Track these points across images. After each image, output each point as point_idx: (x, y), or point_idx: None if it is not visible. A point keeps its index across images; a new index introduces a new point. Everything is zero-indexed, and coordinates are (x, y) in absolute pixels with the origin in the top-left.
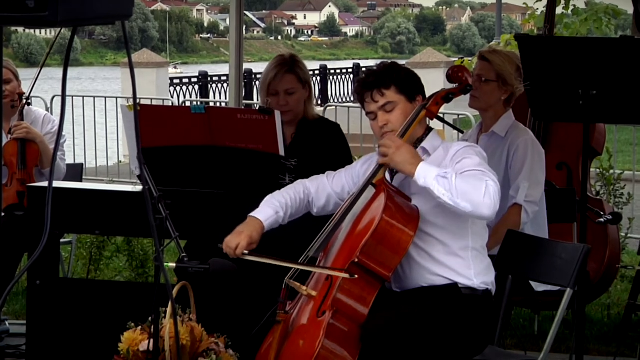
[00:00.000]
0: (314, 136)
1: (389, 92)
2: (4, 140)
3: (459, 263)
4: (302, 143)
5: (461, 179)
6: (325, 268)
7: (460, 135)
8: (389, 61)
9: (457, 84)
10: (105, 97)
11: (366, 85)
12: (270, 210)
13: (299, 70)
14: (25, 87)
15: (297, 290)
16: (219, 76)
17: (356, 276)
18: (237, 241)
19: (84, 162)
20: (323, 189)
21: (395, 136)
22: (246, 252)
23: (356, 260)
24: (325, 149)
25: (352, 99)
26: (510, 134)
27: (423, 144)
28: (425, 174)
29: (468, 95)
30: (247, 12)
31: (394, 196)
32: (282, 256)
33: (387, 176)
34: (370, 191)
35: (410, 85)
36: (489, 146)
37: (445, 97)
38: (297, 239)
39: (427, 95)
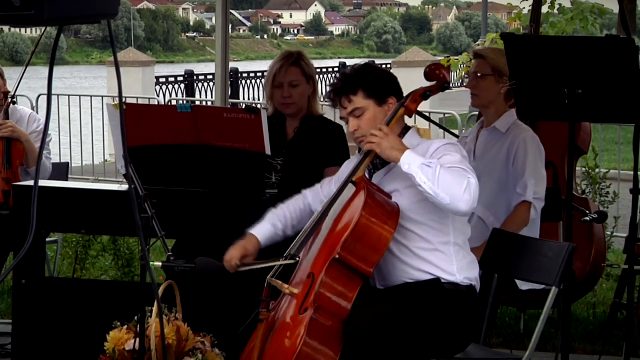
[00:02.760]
0: (316, 135)
1: (356, 97)
2: None
3: (441, 258)
4: (304, 140)
5: (444, 171)
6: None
7: (447, 134)
8: (363, 63)
9: (435, 82)
10: (91, 96)
11: (335, 91)
12: (268, 224)
13: (304, 64)
14: (10, 86)
15: (279, 289)
16: (205, 75)
17: (298, 259)
18: (232, 254)
19: (69, 161)
20: (317, 196)
21: (383, 125)
22: (239, 263)
23: (337, 256)
24: (326, 149)
25: None
26: (511, 131)
27: None
28: (410, 161)
29: (456, 95)
30: (233, 11)
31: (374, 193)
32: (266, 254)
33: (367, 174)
34: (350, 189)
35: (379, 88)
36: (490, 141)
37: (423, 94)
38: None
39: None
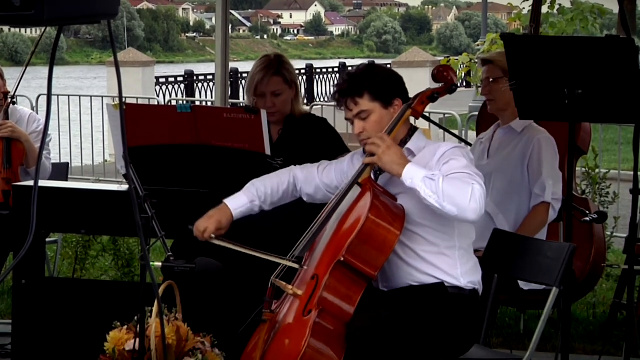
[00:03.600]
0: (301, 132)
1: (362, 100)
2: None
3: (446, 262)
4: (289, 140)
5: (448, 181)
6: (275, 256)
7: (447, 134)
8: (367, 63)
9: (442, 84)
10: (91, 96)
11: (341, 93)
12: (245, 198)
13: (285, 71)
14: (10, 86)
15: (283, 289)
16: (205, 75)
17: (305, 267)
18: (206, 225)
19: (69, 161)
20: (312, 179)
21: (385, 135)
22: (213, 236)
23: (342, 259)
24: (314, 144)
25: None
26: (526, 132)
27: (408, 145)
28: (413, 175)
29: (456, 95)
30: (233, 11)
31: (379, 195)
32: (269, 249)
33: (372, 175)
34: (355, 190)
35: (385, 90)
36: (504, 140)
37: (430, 96)
38: (285, 236)
39: (412, 94)
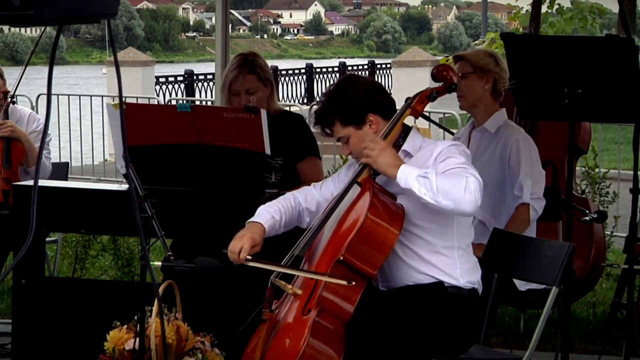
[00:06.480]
0: (277, 130)
1: (335, 128)
2: None
3: (445, 262)
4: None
5: (441, 177)
6: (324, 275)
7: (450, 135)
8: (336, 83)
9: (442, 83)
10: (91, 96)
11: (316, 122)
12: (267, 214)
13: (259, 69)
14: (10, 86)
15: (283, 289)
16: (205, 75)
17: (354, 283)
18: (240, 245)
19: (69, 161)
20: (312, 197)
21: (379, 138)
22: (249, 257)
23: (341, 258)
24: (290, 140)
25: None
26: (501, 132)
27: (404, 147)
28: (407, 176)
29: (455, 94)
30: (233, 11)
31: (379, 194)
32: (267, 253)
33: (372, 175)
34: (355, 190)
35: (353, 112)
36: (482, 143)
37: (430, 95)
38: (284, 236)
39: (412, 93)
